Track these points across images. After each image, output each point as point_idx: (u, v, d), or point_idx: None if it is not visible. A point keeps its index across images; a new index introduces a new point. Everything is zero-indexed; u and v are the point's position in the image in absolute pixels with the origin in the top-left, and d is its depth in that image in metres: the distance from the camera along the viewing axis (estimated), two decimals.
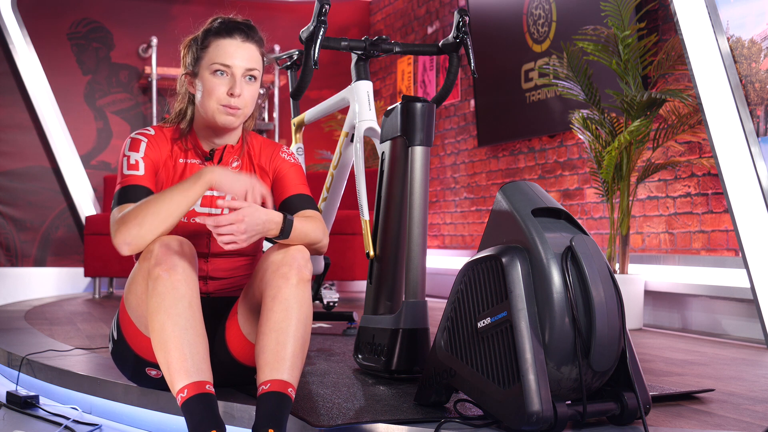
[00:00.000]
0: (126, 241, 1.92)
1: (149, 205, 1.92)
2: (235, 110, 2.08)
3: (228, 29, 2.09)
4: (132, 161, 2.07)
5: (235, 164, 2.19)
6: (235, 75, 2.07)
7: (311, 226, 2.03)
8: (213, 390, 1.81)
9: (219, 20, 2.13)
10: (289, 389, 1.82)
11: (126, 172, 2.06)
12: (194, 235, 2.13)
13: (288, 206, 2.14)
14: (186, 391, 1.78)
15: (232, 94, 2.06)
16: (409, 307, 2.34)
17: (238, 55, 2.07)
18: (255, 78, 2.11)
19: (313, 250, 2.06)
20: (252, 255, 2.23)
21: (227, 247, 1.88)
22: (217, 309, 2.18)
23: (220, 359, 2.11)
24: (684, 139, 3.97)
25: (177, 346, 1.82)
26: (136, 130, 2.17)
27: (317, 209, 2.15)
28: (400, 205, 2.45)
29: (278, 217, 1.94)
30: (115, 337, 2.15)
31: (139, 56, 6.88)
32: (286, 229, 1.95)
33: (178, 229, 2.11)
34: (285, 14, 7.27)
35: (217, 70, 2.07)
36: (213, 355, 2.10)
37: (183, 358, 1.81)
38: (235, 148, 2.19)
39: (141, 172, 2.06)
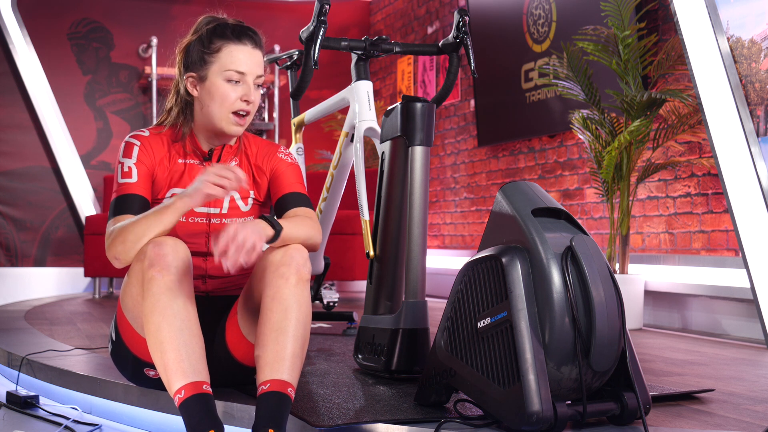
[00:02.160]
0: (114, 257, 1.97)
1: (131, 225, 1.94)
2: (245, 117, 2.10)
3: (237, 34, 2.09)
4: (125, 168, 2.08)
5: (233, 164, 2.19)
6: (249, 82, 2.08)
7: (297, 222, 2.02)
8: (210, 390, 1.81)
9: (221, 22, 2.12)
10: (289, 389, 1.82)
11: (120, 180, 2.08)
12: (192, 234, 2.14)
13: (282, 204, 2.14)
14: (183, 392, 1.78)
15: (246, 101, 2.07)
16: (409, 307, 2.34)
17: (251, 62, 2.09)
18: (260, 85, 2.13)
19: (307, 247, 2.05)
20: None
21: (244, 259, 1.81)
22: (216, 308, 2.18)
23: (220, 359, 2.12)
24: (684, 139, 3.97)
25: (173, 347, 1.82)
26: (131, 133, 2.17)
27: (312, 208, 2.14)
28: (400, 205, 2.45)
29: (261, 220, 1.93)
30: (114, 339, 2.15)
31: (139, 56, 6.88)
32: (275, 226, 1.93)
33: (176, 229, 2.12)
34: (285, 14, 7.27)
35: (230, 79, 2.07)
36: (213, 355, 2.10)
37: (179, 359, 1.81)
38: (233, 148, 2.20)
39: (134, 179, 2.07)
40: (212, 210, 2.15)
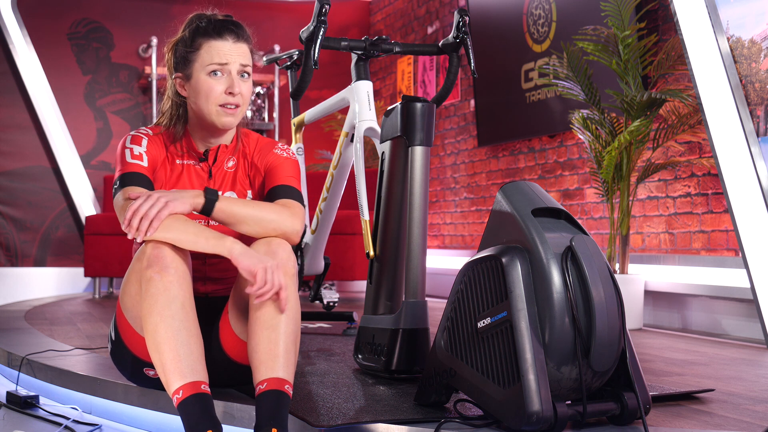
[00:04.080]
0: (139, 230, 1.88)
1: (180, 223, 1.88)
2: (235, 109, 2.08)
3: (217, 30, 2.08)
4: (136, 152, 2.06)
5: (230, 163, 2.18)
6: (232, 73, 2.07)
7: (257, 203, 1.98)
8: (209, 390, 1.81)
9: (204, 20, 2.11)
10: (286, 386, 1.82)
11: (129, 160, 2.04)
12: None
13: (271, 196, 2.10)
14: (181, 392, 1.78)
15: (231, 93, 2.06)
16: (409, 307, 2.34)
17: (232, 53, 2.07)
18: (249, 74, 2.11)
19: (276, 234, 1.98)
20: None
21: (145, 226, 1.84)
22: (215, 309, 2.18)
23: (216, 360, 2.11)
24: (684, 139, 3.97)
25: (171, 348, 1.81)
26: (135, 129, 2.16)
27: (302, 202, 2.08)
28: (400, 205, 2.45)
29: (198, 192, 1.93)
30: (113, 338, 2.15)
31: (139, 56, 6.88)
32: (210, 195, 1.92)
33: None
34: (285, 14, 7.27)
35: (213, 71, 2.06)
36: (210, 356, 2.10)
37: (177, 359, 1.80)
38: (230, 148, 2.18)
39: (144, 163, 2.06)
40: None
